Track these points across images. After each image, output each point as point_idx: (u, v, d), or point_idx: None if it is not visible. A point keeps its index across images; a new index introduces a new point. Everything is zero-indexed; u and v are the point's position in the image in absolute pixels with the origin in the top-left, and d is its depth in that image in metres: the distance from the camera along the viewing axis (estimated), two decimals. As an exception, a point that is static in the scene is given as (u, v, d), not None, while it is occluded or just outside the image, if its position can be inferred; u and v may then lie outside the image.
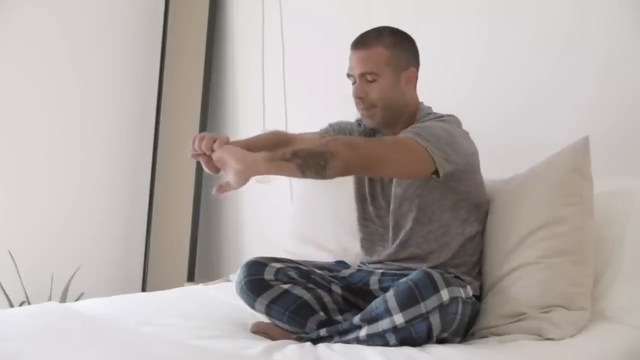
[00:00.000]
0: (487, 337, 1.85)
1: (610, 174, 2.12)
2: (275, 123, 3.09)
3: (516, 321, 1.84)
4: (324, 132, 2.14)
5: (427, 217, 1.97)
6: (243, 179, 1.61)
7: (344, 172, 1.75)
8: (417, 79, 2.04)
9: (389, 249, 2.02)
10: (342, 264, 2.13)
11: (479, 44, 2.57)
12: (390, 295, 1.69)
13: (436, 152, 1.81)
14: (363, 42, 1.98)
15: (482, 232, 2.04)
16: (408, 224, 1.98)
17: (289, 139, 2.06)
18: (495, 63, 2.53)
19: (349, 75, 2.02)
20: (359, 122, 2.16)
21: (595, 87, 2.29)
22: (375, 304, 1.73)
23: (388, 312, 1.68)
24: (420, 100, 2.08)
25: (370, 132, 2.13)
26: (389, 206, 2.02)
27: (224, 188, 1.66)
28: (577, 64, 2.33)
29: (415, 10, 2.53)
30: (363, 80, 1.97)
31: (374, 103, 1.97)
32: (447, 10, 2.65)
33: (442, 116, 1.99)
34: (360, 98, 1.98)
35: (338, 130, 2.14)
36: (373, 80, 1.96)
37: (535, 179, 2.01)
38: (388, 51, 1.96)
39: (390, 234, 2.02)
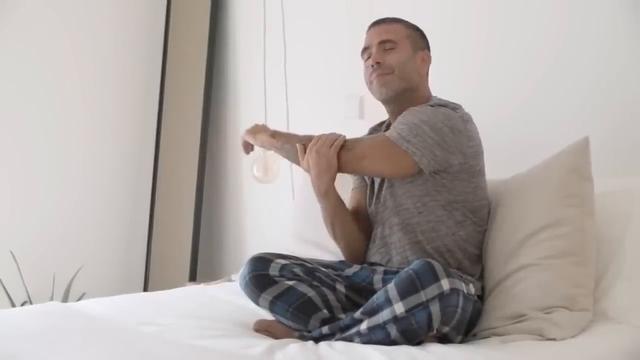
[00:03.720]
0: (488, 337, 1.85)
1: (610, 174, 2.12)
2: (276, 123, 3.10)
3: (518, 322, 1.84)
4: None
5: (417, 208, 1.98)
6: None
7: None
8: (429, 65, 2.11)
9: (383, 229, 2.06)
10: (345, 263, 2.13)
11: (479, 44, 2.57)
12: (391, 285, 1.71)
13: (418, 153, 1.90)
14: (383, 19, 2.09)
15: (482, 234, 2.04)
16: (394, 205, 2.02)
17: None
18: (495, 64, 2.53)
19: (364, 51, 2.08)
20: None
21: (595, 87, 2.29)
22: (377, 296, 1.74)
23: (389, 302, 1.69)
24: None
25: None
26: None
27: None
28: (577, 65, 2.33)
29: (416, 10, 2.53)
30: (381, 49, 2.05)
31: (391, 69, 2.03)
32: (447, 11, 2.65)
33: (446, 104, 2.00)
34: (378, 64, 2.03)
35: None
36: (391, 49, 2.04)
37: (535, 179, 2.02)
38: (407, 29, 2.08)
39: (381, 212, 2.07)
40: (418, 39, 2.09)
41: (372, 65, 2.04)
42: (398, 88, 2.03)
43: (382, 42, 2.04)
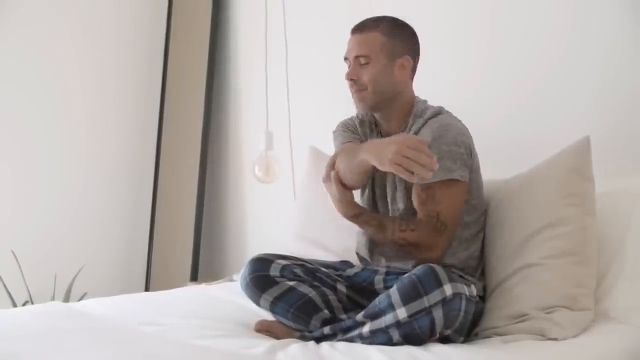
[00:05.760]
0: (490, 337, 1.85)
1: (611, 174, 2.12)
2: (278, 122, 3.10)
3: (519, 322, 1.84)
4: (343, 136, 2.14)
5: None
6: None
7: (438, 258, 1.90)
8: (413, 69, 2.06)
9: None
10: (346, 263, 2.14)
11: (481, 44, 2.57)
12: (393, 290, 1.71)
13: (465, 175, 1.92)
14: (361, 26, 2.05)
15: (482, 233, 2.05)
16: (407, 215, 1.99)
17: None
18: (497, 64, 2.53)
19: (345, 59, 2.07)
20: (357, 115, 2.19)
21: (596, 87, 2.29)
22: (379, 300, 1.74)
23: (391, 307, 1.69)
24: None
25: (369, 124, 2.14)
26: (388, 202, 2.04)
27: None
28: (578, 65, 2.33)
29: (418, 10, 2.53)
30: (357, 63, 2.02)
31: (364, 86, 2.02)
32: (449, 11, 2.65)
33: (440, 111, 2.00)
34: (353, 80, 2.03)
35: (352, 136, 2.15)
36: (366, 64, 2.01)
37: (536, 179, 2.02)
38: (383, 37, 2.01)
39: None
40: (396, 45, 2.02)
41: (347, 80, 2.04)
42: (373, 103, 2.03)
43: (357, 57, 2.02)
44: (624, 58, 2.23)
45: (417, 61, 2.07)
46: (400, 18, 2.08)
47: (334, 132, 2.18)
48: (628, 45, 2.22)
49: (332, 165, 1.98)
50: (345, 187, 1.96)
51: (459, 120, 2.01)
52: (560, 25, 2.38)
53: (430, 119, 1.98)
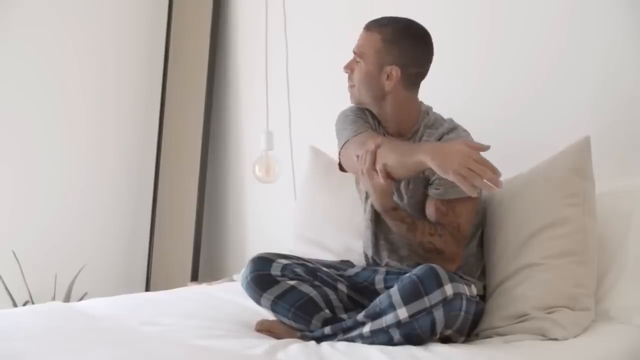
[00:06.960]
0: (491, 337, 1.85)
1: (611, 174, 2.12)
2: (278, 122, 3.10)
3: (520, 322, 1.84)
4: (359, 119, 2.10)
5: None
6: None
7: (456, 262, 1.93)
8: (409, 78, 2.02)
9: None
10: (347, 263, 2.14)
11: (480, 44, 2.57)
12: (394, 290, 1.71)
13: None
14: (370, 24, 2.08)
15: (480, 232, 2.05)
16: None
17: None
18: (496, 64, 2.53)
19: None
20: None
21: (596, 87, 2.29)
22: (380, 300, 1.75)
23: (392, 307, 1.69)
24: (425, 101, 2.09)
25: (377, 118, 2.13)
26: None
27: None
28: (577, 65, 2.33)
29: (418, 9, 2.53)
30: (354, 59, 2.07)
31: (353, 82, 2.07)
32: (450, 11, 2.65)
33: (455, 127, 2.00)
34: (347, 72, 2.09)
35: (365, 125, 2.10)
36: (359, 62, 2.05)
37: (536, 179, 2.02)
38: (381, 42, 2.01)
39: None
40: (391, 52, 2.00)
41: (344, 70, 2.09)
42: (360, 100, 2.08)
43: (355, 53, 2.06)
44: (623, 58, 2.23)
45: (420, 71, 2.04)
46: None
47: (344, 117, 2.13)
48: (627, 45, 2.22)
49: (374, 157, 1.88)
50: (392, 179, 1.90)
51: (469, 133, 2.01)
52: (559, 25, 2.38)
53: (446, 133, 1.98)
